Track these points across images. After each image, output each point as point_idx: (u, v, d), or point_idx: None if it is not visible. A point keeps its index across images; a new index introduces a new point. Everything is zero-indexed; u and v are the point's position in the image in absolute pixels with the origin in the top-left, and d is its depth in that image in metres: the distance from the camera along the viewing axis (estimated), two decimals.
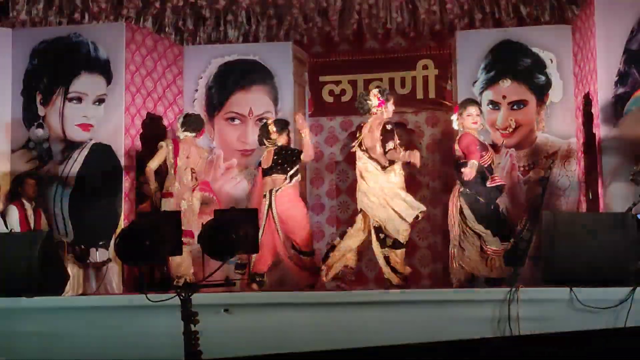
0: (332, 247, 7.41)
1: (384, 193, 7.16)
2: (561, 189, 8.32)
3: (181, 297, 3.97)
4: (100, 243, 8.06)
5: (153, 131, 8.67)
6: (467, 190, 7.01)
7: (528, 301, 5.54)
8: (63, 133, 8.41)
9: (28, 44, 8.53)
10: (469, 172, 6.84)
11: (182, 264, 7.40)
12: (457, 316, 5.61)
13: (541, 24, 8.89)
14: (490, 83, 8.58)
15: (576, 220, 6.19)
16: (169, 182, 7.69)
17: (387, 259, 7.17)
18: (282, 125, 7.72)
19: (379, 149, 7.22)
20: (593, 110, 7.74)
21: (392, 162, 7.26)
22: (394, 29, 9.41)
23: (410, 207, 7.12)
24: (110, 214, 8.09)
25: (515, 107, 8.49)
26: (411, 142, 9.12)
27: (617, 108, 7.55)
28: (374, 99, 7.31)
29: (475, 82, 8.60)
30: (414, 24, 9.35)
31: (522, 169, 8.45)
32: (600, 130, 7.55)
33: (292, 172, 7.51)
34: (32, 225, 7.85)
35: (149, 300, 4.17)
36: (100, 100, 8.38)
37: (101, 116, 8.36)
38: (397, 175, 7.26)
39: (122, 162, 8.20)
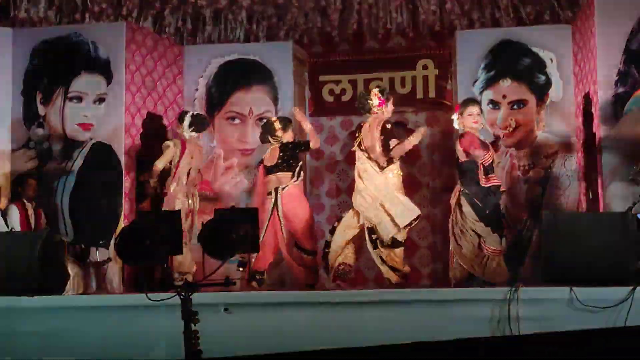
0: (327, 244, 7.45)
1: (381, 194, 7.17)
2: (561, 189, 8.32)
3: (181, 297, 3.97)
4: (101, 242, 8.06)
5: (153, 131, 8.68)
6: (467, 190, 7.03)
7: (528, 301, 5.53)
8: (63, 132, 8.41)
9: (28, 43, 8.54)
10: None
11: (184, 262, 7.43)
12: (457, 316, 5.61)
13: (541, 23, 8.89)
14: (490, 83, 8.58)
15: (576, 220, 6.19)
16: (186, 181, 7.78)
17: (382, 259, 7.19)
18: (286, 122, 7.77)
19: (378, 149, 7.24)
20: (593, 110, 7.74)
21: (390, 162, 7.27)
22: (394, 29, 9.41)
23: (405, 212, 7.12)
24: (110, 214, 8.10)
25: (515, 106, 8.50)
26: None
27: (617, 108, 7.55)
28: (374, 98, 7.33)
29: (475, 81, 8.61)
30: (414, 23, 9.35)
31: (522, 168, 8.45)
32: (600, 130, 7.55)
33: (297, 168, 7.52)
34: (32, 224, 7.85)
35: (149, 299, 4.17)
36: (100, 100, 8.38)
37: (101, 115, 8.37)
38: (395, 175, 7.28)
39: (123, 161, 8.20)
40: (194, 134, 7.93)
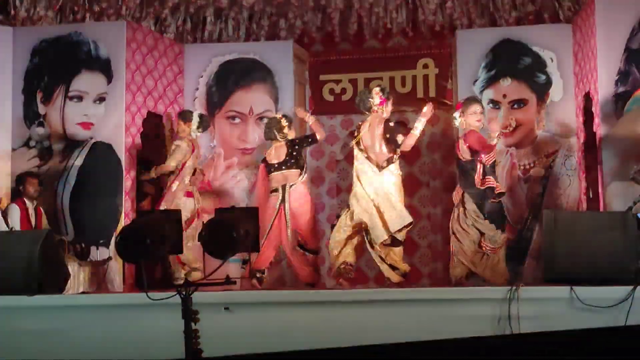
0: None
1: (377, 197, 7.17)
2: (561, 188, 8.32)
3: (182, 296, 3.97)
4: (101, 241, 8.06)
5: (154, 130, 8.68)
6: (466, 190, 7.05)
7: (528, 300, 5.54)
8: (64, 131, 8.41)
9: (29, 42, 8.53)
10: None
11: (197, 258, 7.48)
12: (458, 315, 5.61)
13: (542, 23, 8.89)
14: (490, 82, 8.58)
15: (576, 219, 6.19)
16: (189, 181, 7.77)
17: (381, 257, 7.20)
18: (290, 119, 7.81)
19: (377, 148, 7.24)
20: (593, 109, 7.74)
21: (390, 162, 7.27)
22: (394, 28, 9.41)
23: (397, 218, 7.12)
24: (111, 212, 8.09)
25: (515, 106, 8.49)
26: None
27: (617, 107, 7.55)
28: (376, 97, 7.32)
29: (475, 81, 8.61)
30: (414, 23, 9.35)
31: (522, 167, 8.45)
32: (601, 129, 7.55)
33: (304, 165, 7.58)
34: (33, 223, 7.85)
35: (150, 298, 4.17)
36: (101, 99, 8.37)
37: (102, 115, 8.36)
38: (393, 175, 7.27)
39: (123, 160, 8.19)
40: (198, 133, 7.98)
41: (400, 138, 7.22)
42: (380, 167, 7.25)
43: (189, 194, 7.83)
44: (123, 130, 8.26)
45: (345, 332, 5.63)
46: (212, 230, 4.08)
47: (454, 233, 7.14)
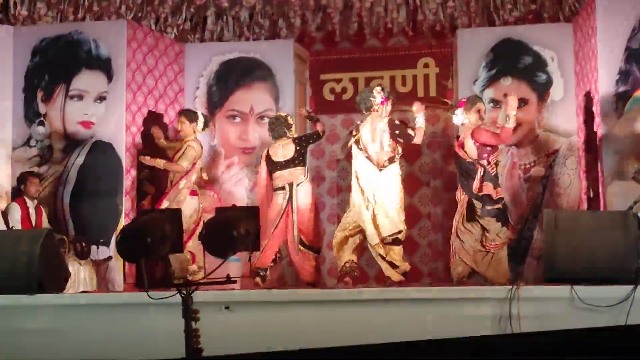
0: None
1: (375, 197, 7.16)
2: (562, 187, 8.32)
3: (182, 295, 3.97)
4: (102, 240, 8.07)
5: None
6: (467, 192, 7.06)
7: (529, 299, 5.54)
8: (64, 130, 8.41)
9: (29, 41, 8.54)
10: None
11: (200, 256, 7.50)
12: (458, 314, 5.61)
13: (542, 22, 8.89)
14: (491, 81, 8.58)
15: (577, 219, 6.18)
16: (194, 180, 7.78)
17: (381, 256, 7.21)
18: (292, 117, 7.84)
19: (378, 147, 7.24)
20: (594, 109, 7.74)
21: (391, 162, 7.27)
22: (395, 28, 9.41)
23: (388, 225, 7.13)
24: (111, 212, 8.10)
25: None
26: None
27: (618, 106, 7.55)
28: (377, 95, 7.33)
29: (476, 80, 8.61)
30: (415, 22, 9.35)
31: (522, 167, 8.45)
32: (601, 129, 7.55)
33: (307, 163, 7.58)
34: (33, 222, 7.85)
35: (150, 297, 4.17)
36: (101, 98, 8.38)
37: (102, 114, 8.37)
38: (394, 175, 7.27)
39: (123, 159, 8.20)
40: (202, 133, 8.01)
41: (410, 130, 7.25)
42: (382, 167, 7.24)
43: (193, 193, 7.84)
44: (123, 129, 8.27)
45: (346, 331, 5.63)
46: (213, 229, 4.08)
47: (457, 231, 7.11)
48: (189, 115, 7.99)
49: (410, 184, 8.80)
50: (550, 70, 8.50)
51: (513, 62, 8.56)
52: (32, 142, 8.45)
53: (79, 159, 8.32)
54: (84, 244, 7.97)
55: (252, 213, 4.38)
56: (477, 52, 8.64)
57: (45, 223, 7.93)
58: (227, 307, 5.76)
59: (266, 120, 8.67)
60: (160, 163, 7.90)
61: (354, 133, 7.44)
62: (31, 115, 8.48)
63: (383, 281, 7.44)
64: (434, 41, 9.50)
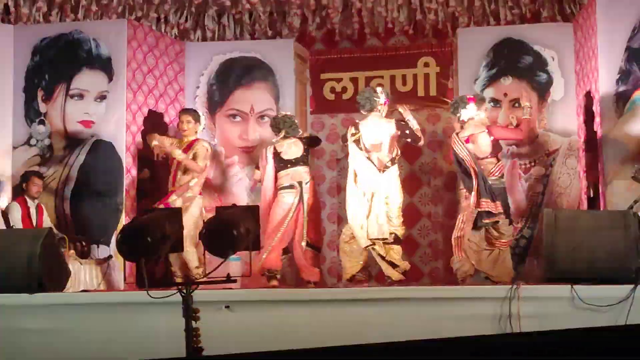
0: None
1: (373, 198, 7.16)
2: (562, 187, 8.32)
3: (182, 294, 3.97)
4: (102, 239, 8.07)
5: (154, 128, 8.67)
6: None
7: (529, 299, 5.54)
8: (65, 130, 8.41)
9: (30, 40, 8.53)
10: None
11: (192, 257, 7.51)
12: (458, 313, 5.61)
13: (542, 21, 8.89)
14: (491, 81, 8.58)
15: (577, 218, 6.19)
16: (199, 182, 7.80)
17: (380, 255, 7.21)
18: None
19: (381, 148, 7.25)
20: (594, 108, 7.74)
21: (393, 163, 7.28)
22: (395, 27, 9.41)
23: (377, 230, 7.12)
24: (111, 211, 8.10)
25: (516, 104, 8.48)
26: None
27: (618, 106, 7.55)
28: (381, 96, 7.34)
29: (476, 79, 8.61)
30: (415, 21, 9.35)
31: (523, 166, 8.45)
32: (602, 128, 7.55)
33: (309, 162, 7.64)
34: (34, 222, 7.85)
35: (151, 296, 4.17)
36: (101, 97, 8.38)
37: (103, 113, 8.37)
38: (394, 176, 7.28)
39: (124, 158, 8.20)
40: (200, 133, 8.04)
41: (418, 132, 7.31)
42: (384, 168, 7.23)
43: (199, 193, 7.85)
44: (124, 128, 8.27)
45: (347, 331, 5.63)
46: (213, 228, 4.08)
47: (462, 230, 7.09)
48: (195, 115, 7.99)
49: (410, 183, 8.80)
50: (551, 69, 8.50)
51: (513, 62, 8.56)
52: (33, 142, 8.45)
53: (79, 158, 8.32)
54: (84, 243, 7.98)
55: (252, 212, 4.39)
56: (477, 52, 8.64)
57: (45, 222, 7.93)
58: (227, 307, 5.76)
59: (266, 119, 8.68)
60: (177, 154, 7.74)
61: (354, 132, 7.43)
62: (32, 114, 8.49)
63: (383, 280, 7.45)
64: (434, 40, 9.50)
